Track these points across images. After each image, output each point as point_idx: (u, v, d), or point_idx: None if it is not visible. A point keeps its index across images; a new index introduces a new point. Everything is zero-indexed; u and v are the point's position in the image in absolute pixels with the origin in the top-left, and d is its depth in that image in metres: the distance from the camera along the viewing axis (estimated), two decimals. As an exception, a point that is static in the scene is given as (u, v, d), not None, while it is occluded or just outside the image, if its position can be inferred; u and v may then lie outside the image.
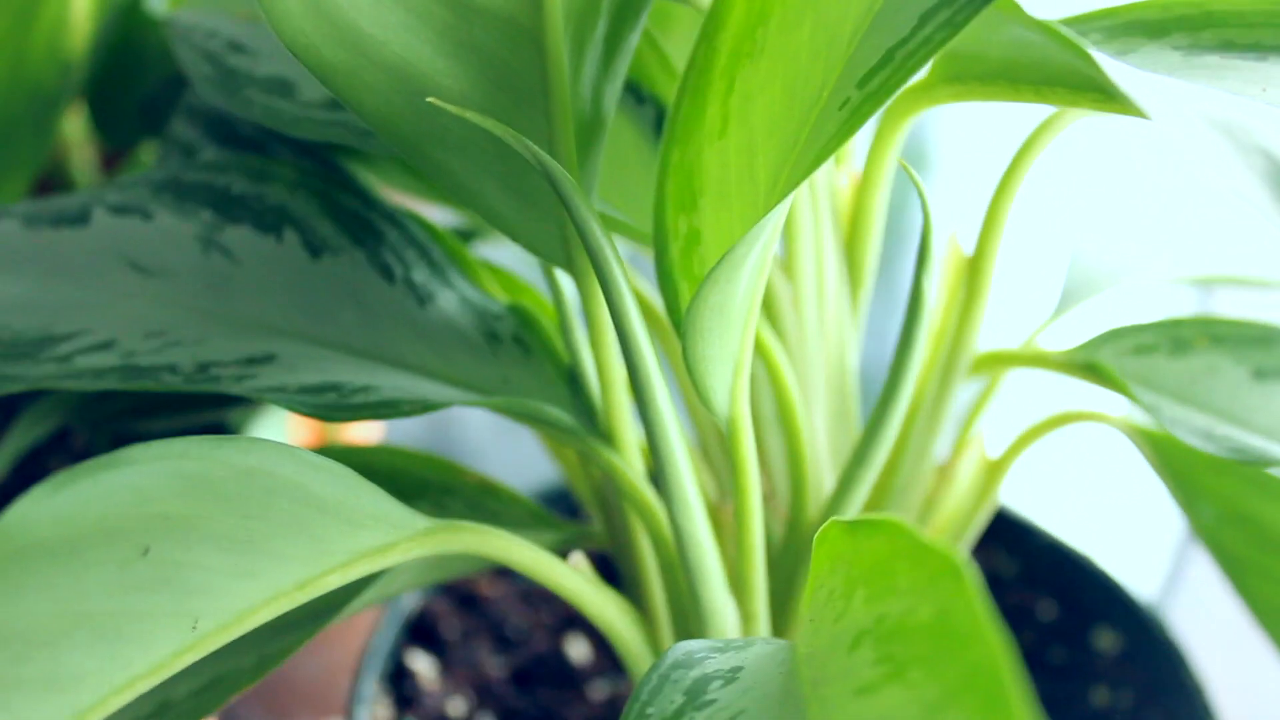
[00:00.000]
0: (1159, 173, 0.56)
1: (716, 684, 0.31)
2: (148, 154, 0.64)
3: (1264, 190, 0.25)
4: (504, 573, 0.59)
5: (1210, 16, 0.36)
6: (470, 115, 0.31)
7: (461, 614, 0.57)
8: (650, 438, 0.36)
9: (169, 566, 0.30)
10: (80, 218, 0.42)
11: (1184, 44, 0.36)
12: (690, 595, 0.39)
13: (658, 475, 0.36)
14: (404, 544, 0.34)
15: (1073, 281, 0.52)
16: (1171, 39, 0.36)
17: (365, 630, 0.71)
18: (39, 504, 0.28)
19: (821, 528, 0.31)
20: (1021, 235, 0.44)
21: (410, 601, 0.56)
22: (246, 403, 0.56)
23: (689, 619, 0.40)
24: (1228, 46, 0.36)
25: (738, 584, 0.40)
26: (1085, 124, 0.43)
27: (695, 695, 0.30)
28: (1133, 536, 0.79)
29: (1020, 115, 0.44)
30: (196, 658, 0.31)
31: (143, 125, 0.57)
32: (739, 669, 0.31)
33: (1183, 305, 0.71)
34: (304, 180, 0.41)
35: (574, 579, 0.38)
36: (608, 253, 0.33)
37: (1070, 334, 0.48)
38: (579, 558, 0.38)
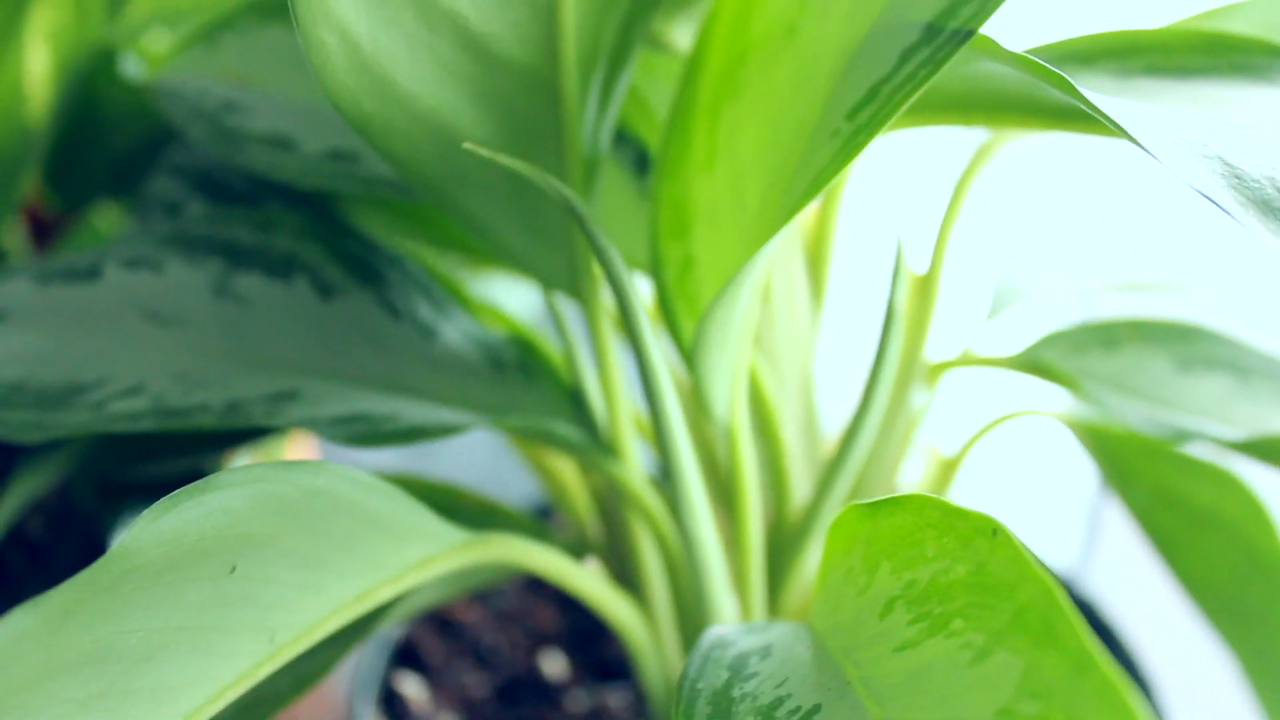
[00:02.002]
0: (1066, 191, 0.61)
1: (754, 659, 0.34)
2: (101, 218, 0.66)
3: (1229, 192, 0.29)
4: (477, 598, 0.62)
5: (1136, 44, 0.41)
6: (502, 158, 0.34)
7: (442, 638, 0.60)
8: (662, 445, 0.39)
9: (252, 583, 0.33)
10: (92, 273, 0.44)
11: (1115, 70, 0.40)
12: (694, 593, 0.42)
13: (669, 480, 0.40)
14: (445, 555, 0.37)
15: (997, 294, 0.57)
16: (1103, 65, 0.41)
17: (328, 678, 0.73)
18: (148, 527, 0.31)
19: (837, 512, 0.35)
20: (953, 253, 0.48)
21: (394, 629, 0.58)
22: (221, 449, 0.58)
23: (691, 616, 0.44)
24: (1154, 71, 0.40)
25: (736, 581, 0.43)
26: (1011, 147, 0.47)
27: (739, 669, 0.33)
28: (1045, 514, 0.84)
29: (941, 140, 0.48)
30: (273, 669, 0.34)
31: (113, 187, 0.59)
32: (770, 645, 0.35)
33: (1088, 310, 0.76)
34: (309, 228, 0.44)
35: (593, 581, 0.41)
36: (625, 275, 0.36)
37: (999, 339, 0.53)
38: (594, 563, 0.41)
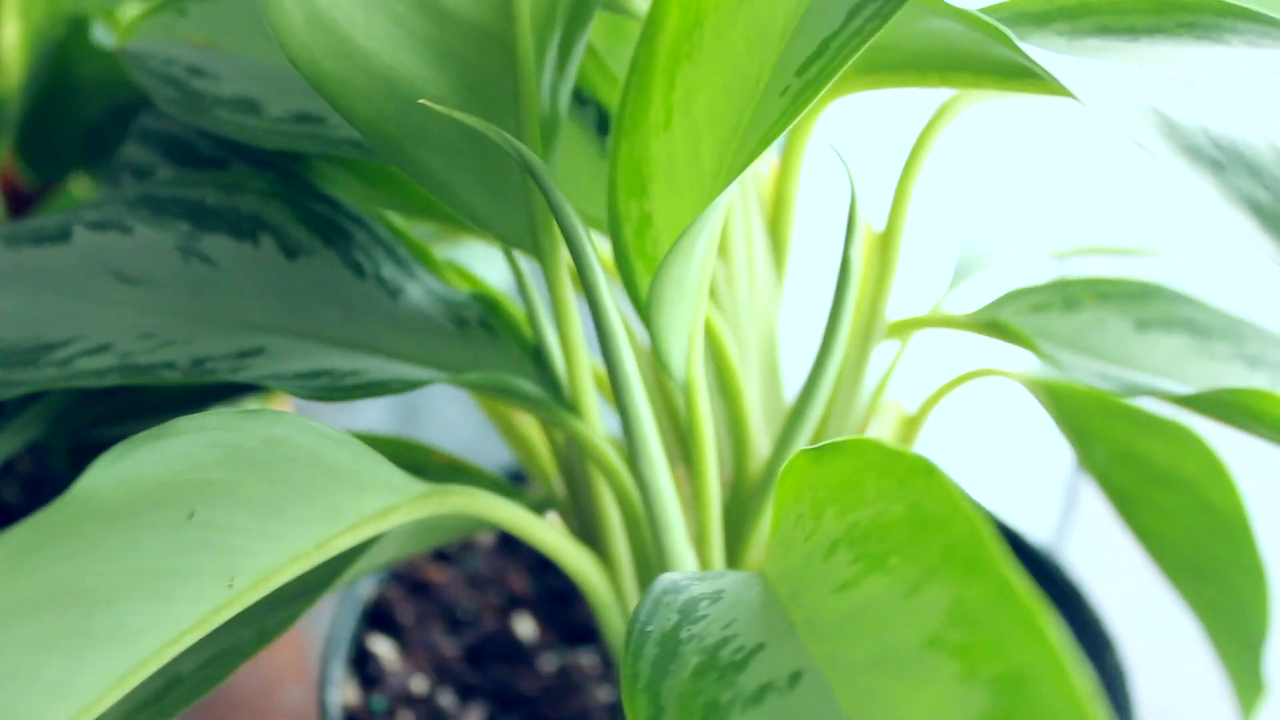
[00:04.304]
0: (1034, 155, 0.62)
1: (705, 603, 0.35)
2: (78, 187, 0.67)
3: (1161, 141, 0.30)
4: (449, 558, 0.63)
5: (1088, 6, 0.41)
6: (458, 115, 0.34)
7: (414, 599, 0.60)
8: (619, 398, 0.40)
9: (210, 529, 0.34)
10: (61, 235, 0.45)
11: (1066, 30, 0.41)
12: (654, 546, 0.43)
13: (625, 433, 0.40)
14: (405, 506, 0.38)
15: (964, 257, 0.57)
16: (1055, 26, 0.41)
17: (301, 644, 0.74)
18: (105, 471, 0.31)
19: (788, 461, 0.35)
20: (918, 215, 0.49)
21: (366, 589, 0.59)
22: (193, 410, 0.59)
23: (652, 568, 0.44)
24: (1104, 31, 0.41)
25: (695, 534, 0.44)
26: (975, 110, 0.48)
27: (688, 612, 0.34)
28: (1024, 483, 0.85)
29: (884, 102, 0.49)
30: (232, 614, 0.34)
31: (85, 155, 0.59)
32: (721, 591, 0.35)
33: (1053, 272, 0.77)
34: (275, 189, 0.45)
35: (552, 533, 0.42)
36: (580, 231, 0.37)
37: (967, 300, 0.53)
38: (553, 516, 0.42)
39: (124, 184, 0.53)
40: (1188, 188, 0.29)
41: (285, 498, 0.35)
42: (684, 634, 0.33)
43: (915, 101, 0.49)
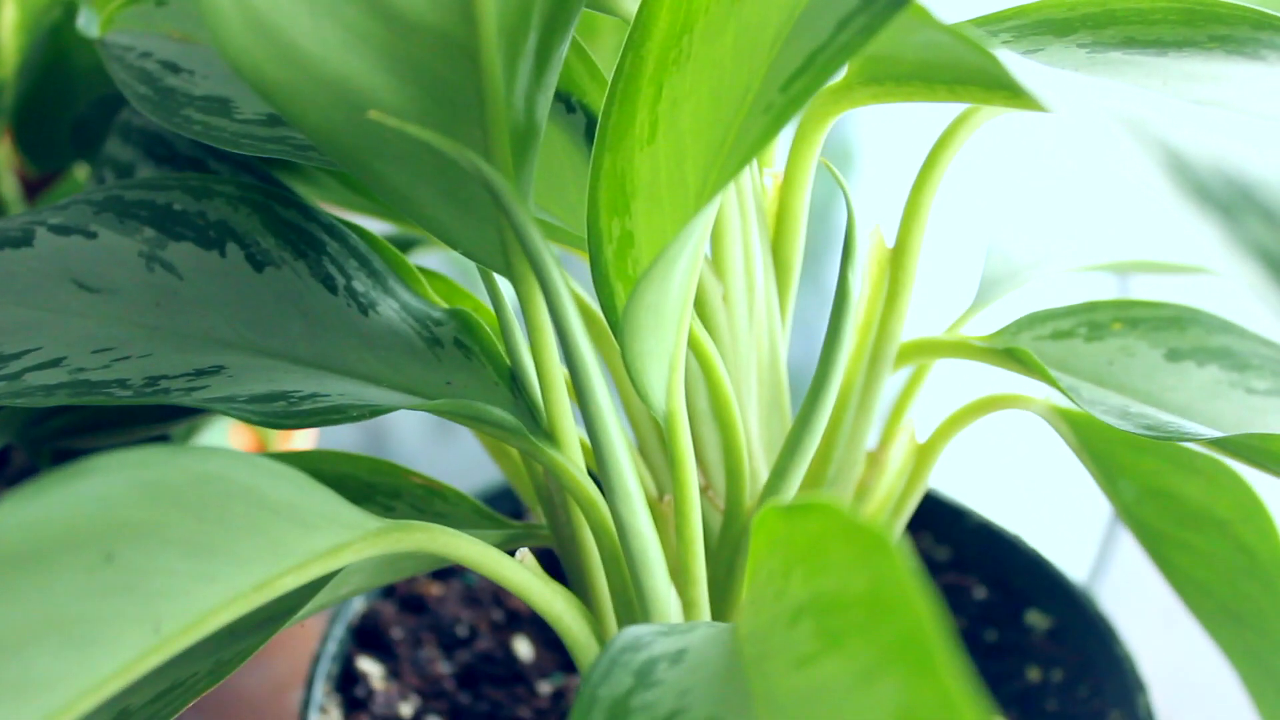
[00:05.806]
0: (1067, 165, 0.58)
1: (663, 665, 0.32)
2: (83, 175, 0.65)
3: (1163, 178, 0.26)
4: (447, 575, 0.60)
5: (1113, 15, 0.38)
6: (410, 128, 0.32)
7: (407, 616, 0.58)
8: (591, 433, 0.37)
9: (132, 572, 0.31)
10: (23, 239, 0.43)
11: (1088, 41, 0.38)
12: (634, 585, 0.40)
13: (599, 469, 0.38)
14: (357, 544, 0.35)
15: (990, 273, 0.54)
16: (1077, 37, 0.38)
17: (310, 641, 0.72)
18: (8, 515, 0.29)
19: (759, 513, 0.33)
20: (941, 229, 0.46)
21: (357, 605, 0.57)
22: (189, 418, 0.57)
23: (633, 608, 0.42)
24: (1129, 43, 0.37)
25: (679, 573, 0.41)
26: (999, 121, 0.45)
27: (644, 676, 0.31)
28: (1062, 520, 0.81)
29: (936, 114, 0.46)
30: (161, 659, 0.32)
31: (74, 147, 0.57)
32: (684, 650, 0.33)
33: (1100, 292, 0.73)
34: (245, 196, 0.42)
35: (520, 573, 0.39)
36: (546, 257, 0.34)
37: (991, 322, 0.50)
38: (525, 553, 0.40)
39: (106, 181, 0.51)
40: (1192, 233, 0.26)
41: (219, 537, 0.33)
42: (635, 701, 0.31)
43: (944, 113, 0.46)
